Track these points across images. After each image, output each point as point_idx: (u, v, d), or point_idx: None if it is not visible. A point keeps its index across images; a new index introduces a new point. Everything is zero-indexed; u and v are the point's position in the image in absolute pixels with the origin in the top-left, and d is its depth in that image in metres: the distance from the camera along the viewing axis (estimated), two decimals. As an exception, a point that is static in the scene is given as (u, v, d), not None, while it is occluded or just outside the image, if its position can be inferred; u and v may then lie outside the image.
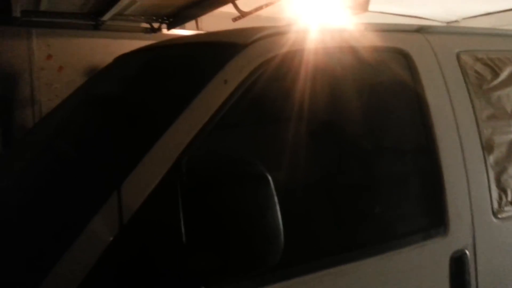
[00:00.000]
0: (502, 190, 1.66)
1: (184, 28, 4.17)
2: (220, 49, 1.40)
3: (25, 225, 1.22)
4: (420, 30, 1.69)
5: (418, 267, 1.45)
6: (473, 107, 1.65)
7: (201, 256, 1.03)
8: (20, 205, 1.35)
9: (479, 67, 1.75)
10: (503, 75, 1.79)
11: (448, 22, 6.12)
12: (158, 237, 1.06)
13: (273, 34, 1.38)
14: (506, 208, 1.65)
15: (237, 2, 3.20)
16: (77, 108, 1.84)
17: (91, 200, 1.08)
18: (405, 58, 1.57)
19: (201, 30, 4.25)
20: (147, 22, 4.05)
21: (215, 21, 3.78)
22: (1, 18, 3.38)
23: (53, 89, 3.77)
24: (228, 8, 3.28)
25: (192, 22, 4.12)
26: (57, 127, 1.79)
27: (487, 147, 1.66)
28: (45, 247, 1.09)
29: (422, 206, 1.56)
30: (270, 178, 1.05)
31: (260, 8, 3.35)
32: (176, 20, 3.97)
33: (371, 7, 3.51)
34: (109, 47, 3.79)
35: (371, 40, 1.53)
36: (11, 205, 1.39)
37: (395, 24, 1.68)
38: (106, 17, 3.48)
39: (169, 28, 4.09)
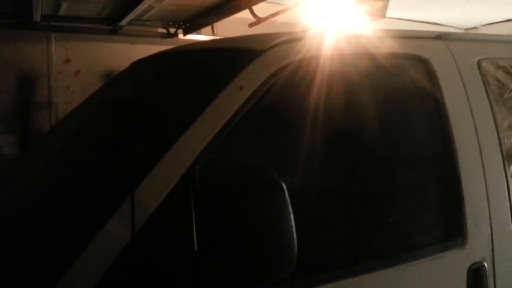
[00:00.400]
0: (523, 201, 1.62)
1: (200, 34, 4.19)
2: (236, 55, 1.39)
3: (39, 229, 1.22)
4: (441, 37, 1.66)
5: (435, 279, 1.41)
6: (493, 115, 1.61)
7: (214, 265, 1.02)
8: (35, 209, 1.35)
9: (500, 75, 1.71)
10: (526, 83, 1.75)
11: (466, 29, 6.04)
12: (171, 244, 1.05)
13: (290, 40, 1.37)
14: (527, 220, 1.60)
15: (254, 8, 3.20)
16: (93, 113, 1.85)
17: (105, 205, 1.07)
18: (425, 65, 1.54)
19: (217, 35, 4.27)
20: (163, 27, 4.08)
21: (231, 26, 3.79)
22: (21, 22, 3.44)
23: (70, 93, 3.82)
24: (244, 14, 3.28)
25: (208, 28, 4.14)
26: (73, 131, 1.80)
27: (508, 157, 1.61)
28: (58, 252, 1.09)
29: (439, 216, 1.53)
30: (284, 187, 1.03)
31: (276, 14, 3.34)
32: (193, 25, 3.99)
33: (389, 13, 3.48)
34: (126, 52, 3.83)
35: (390, 46, 1.50)
36: (27, 209, 1.39)
37: (415, 31, 1.65)
38: (124, 22, 3.52)
39: (185, 33, 4.12)
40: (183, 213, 1.03)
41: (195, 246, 1.01)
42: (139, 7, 3.03)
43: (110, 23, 3.71)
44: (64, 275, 0.99)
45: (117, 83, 2.07)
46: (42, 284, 1.02)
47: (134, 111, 1.50)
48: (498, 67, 1.71)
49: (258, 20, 3.30)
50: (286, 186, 1.03)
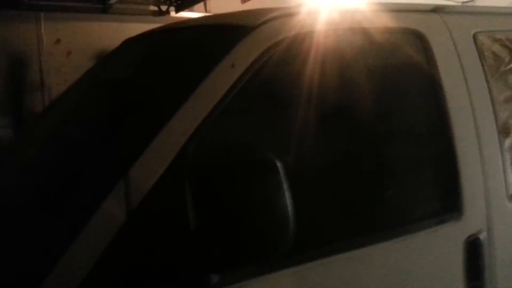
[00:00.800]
0: (518, 174, 1.62)
1: (192, 11, 4.12)
2: (228, 32, 1.36)
3: (34, 213, 1.21)
4: (436, 10, 1.63)
5: (431, 252, 1.43)
6: (489, 89, 1.60)
7: (210, 243, 1.02)
8: (29, 192, 1.34)
9: (496, 48, 1.69)
10: (522, 56, 1.73)
11: (463, 2, 5.96)
12: (166, 223, 1.05)
13: (283, 16, 1.34)
14: (522, 193, 1.61)
15: (246, -17, 3.14)
16: (85, 94, 1.82)
17: (99, 187, 1.07)
18: (420, 39, 1.52)
19: (210, 12, 4.20)
20: (155, 5, 4.01)
21: (224, 2, 3.73)
22: (9, 2, 3.37)
23: (62, 74, 3.77)
24: (238, -11, 3.22)
25: (201, 4, 4.07)
26: (65, 113, 1.78)
27: (503, 131, 1.61)
28: (54, 235, 1.08)
29: (436, 190, 1.54)
30: (279, 165, 1.02)
31: (269, -12, 3.28)
32: (185, 2, 3.92)
33: (384, -14, 3.42)
34: (117, 31, 3.76)
35: (385, 21, 1.47)
36: (21, 192, 1.38)
37: (410, 4, 1.62)
38: (114, 0, 3.45)
39: (177, 10, 4.05)
40: (178, 192, 1.03)
41: (191, 224, 1.01)
42: (129, -16, 2.97)
43: (100, 1, 3.63)
44: (62, 258, 0.99)
45: (108, 63, 2.03)
46: (39, 269, 1.02)
47: (126, 91, 1.48)
48: (495, 40, 1.69)
49: (251, -4, 3.24)
50: (282, 163, 1.03)
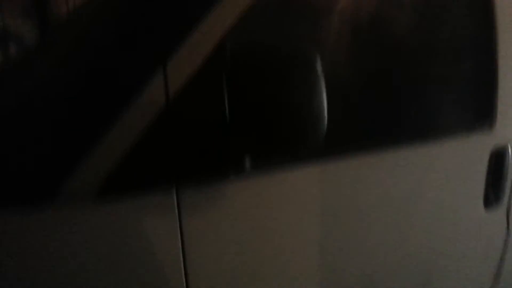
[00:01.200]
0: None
1: None
2: None
3: (72, 100, 1.22)
4: None
5: (459, 158, 1.46)
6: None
7: (245, 132, 1.06)
8: (67, 85, 1.35)
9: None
10: None
11: None
12: (202, 115, 1.08)
13: None
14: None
15: None
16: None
17: (138, 77, 1.08)
18: None
19: None
20: None
21: None
22: None
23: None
24: None
25: None
26: (97, 12, 1.74)
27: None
28: (89, 122, 1.11)
29: (471, 99, 1.53)
30: (317, 61, 1.02)
31: None
32: None
33: None
34: None
35: None
36: (59, 86, 1.39)
37: None
38: None
39: None
40: (214, 86, 1.04)
41: (227, 118, 1.03)
42: None
43: None
44: (101, 140, 1.03)
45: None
46: (80, 147, 1.06)
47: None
48: None
49: None
50: (319, 61, 1.02)
